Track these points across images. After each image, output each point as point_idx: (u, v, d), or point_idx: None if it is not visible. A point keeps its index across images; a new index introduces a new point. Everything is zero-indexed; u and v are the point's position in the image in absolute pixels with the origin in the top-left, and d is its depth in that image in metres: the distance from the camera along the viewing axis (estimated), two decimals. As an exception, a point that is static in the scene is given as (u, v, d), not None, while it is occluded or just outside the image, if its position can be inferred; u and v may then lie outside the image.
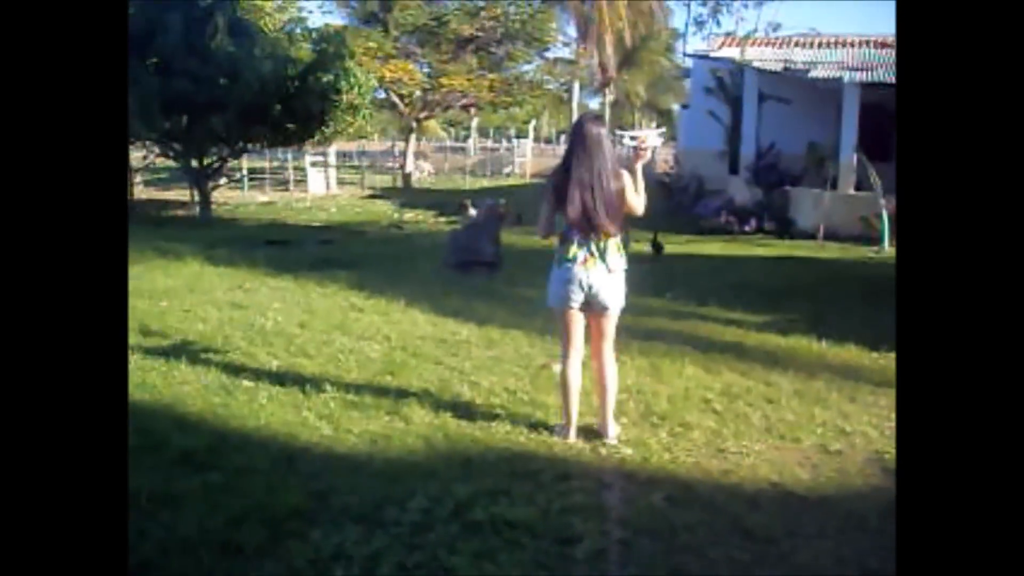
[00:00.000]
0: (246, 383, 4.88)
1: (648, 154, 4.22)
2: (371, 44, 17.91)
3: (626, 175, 3.98)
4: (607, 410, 4.15)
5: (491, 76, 27.31)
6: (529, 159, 41.51)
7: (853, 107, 13.11)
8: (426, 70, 25.65)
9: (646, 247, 11.00)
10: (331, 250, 11.15)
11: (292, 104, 13.06)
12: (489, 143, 46.37)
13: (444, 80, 24.39)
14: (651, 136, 4.24)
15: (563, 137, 57.63)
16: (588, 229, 3.89)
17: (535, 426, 4.27)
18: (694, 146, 19.72)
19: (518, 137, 47.63)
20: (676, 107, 54.60)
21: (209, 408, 4.41)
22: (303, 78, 13.26)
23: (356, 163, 32.35)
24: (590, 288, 3.93)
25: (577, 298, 3.96)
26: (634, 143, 4.14)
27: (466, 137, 50.34)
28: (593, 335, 4.10)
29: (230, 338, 5.96)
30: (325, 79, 13.30)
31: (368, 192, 24.55)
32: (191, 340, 5.87)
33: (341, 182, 26.59)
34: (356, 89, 13.56)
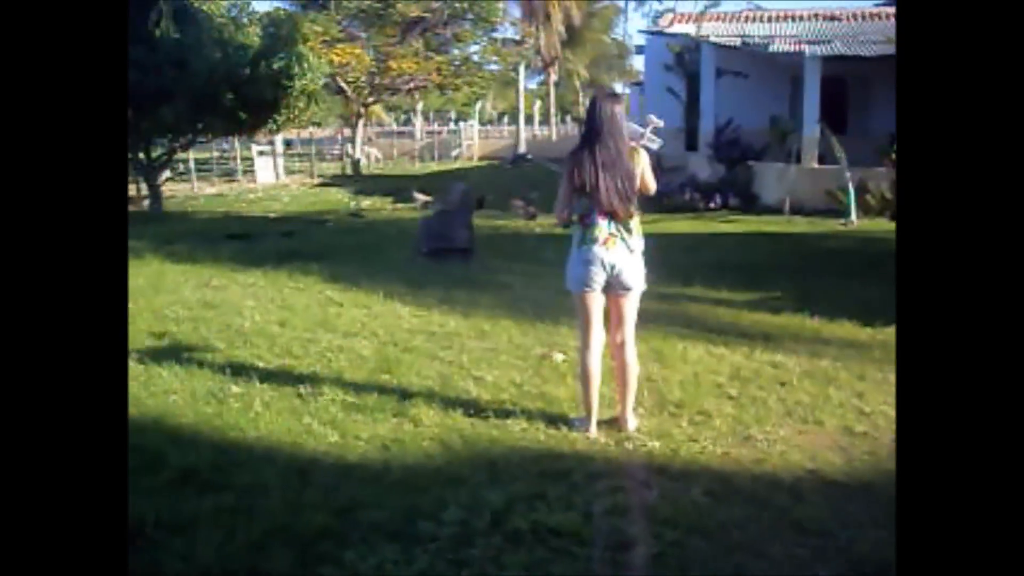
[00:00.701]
0: (236, 388, 4.59)
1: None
2: (317, 28, 17.34)
3: (643, 153, 3.84)
4: (627, 401, 3.99)
5: (438, 58, 26.87)
6: (476, 141, 41.16)
7: (815, 81, 13.14)
8: (372, 54, 25.07)
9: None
10: (295, 242, 10.77)
11: (244, 92, 12.53)
12: (434, 127, 45.77)
13: (392, 64, 23.86)
14: (653, 118, 4.22)
15: (506, 118, 57.80)
16: (610, 209, 3.75)
17: (552, 421, 4.09)
18: (651, 123, 19.62)
19: (459, 120, 47.17)
20: (620, 87, 54.93)
21: (202, 419, 4.11)
22: (254, 64, 12.73)
23: (300, 151, 31.65)
24: (612, 268, 3.79)
25: (599, 280, 3.82)
26: (647, 127, 4.05)
27: (406, 121, 49.57)
28: (613, 320, 3.94)
29: (208, 340, 5.62)
30: (277, 65, 12.80)
31: (318, 180, 23.97)
32: (167, 345, 5.52)
33: (289, 171, 25.93)
34: (309, 75, 13.09)
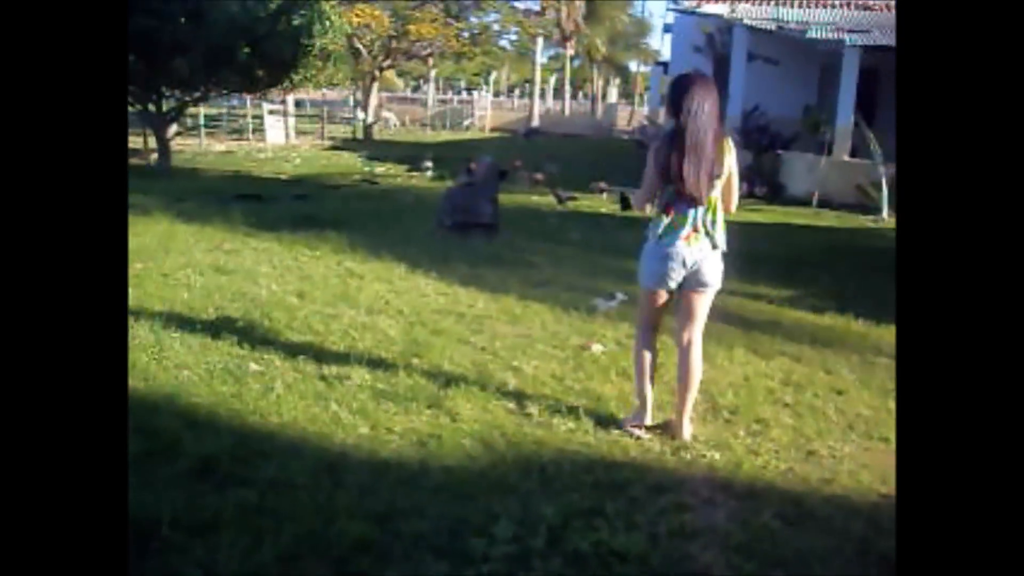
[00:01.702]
0: (254, 367, 4.26)
1: None
2: (335, -14, 16.85)
3: (732, 147, 3.55)
4: (686, 405, 3.67)
5: (457, 24, 26.30)
6: (489, 112, 40.54)
7: (852, 71, 12.68)
8: (390, 16, 24.48)
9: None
10: (308, 206, 10.39)
11: (262, 48, 12.05)
12: (446, 95, 45.09)
13: (411, 27, 23.29)
14: None
15: (517, 91, 57.08)
16: (695, 195, 3.43)
17: (600, 422, 3.77)
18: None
19: (470, 90, 46.49)
20: (637, 66, 54.26)
21: (220, 401, 3.78)
22: (274, 20, 12.23)
23: (310, 112, 31.07)
24: (692, 265, 3.51)
25: (676, 277, 3.54)
26: None
27: (415, 88, 48.79)
28: (682, 317, 3.65)
29: (223, 310, 5.29)
30: (298, 21, 12.32)
31: (329, 143, 23.51)
32: (178, 312, 5.18)
33: (299, 132, 25.45)
34: (330, 33, 12.63)
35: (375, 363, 4.40)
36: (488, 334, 5.13)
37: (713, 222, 3.50)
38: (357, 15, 20.38)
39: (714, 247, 3.51)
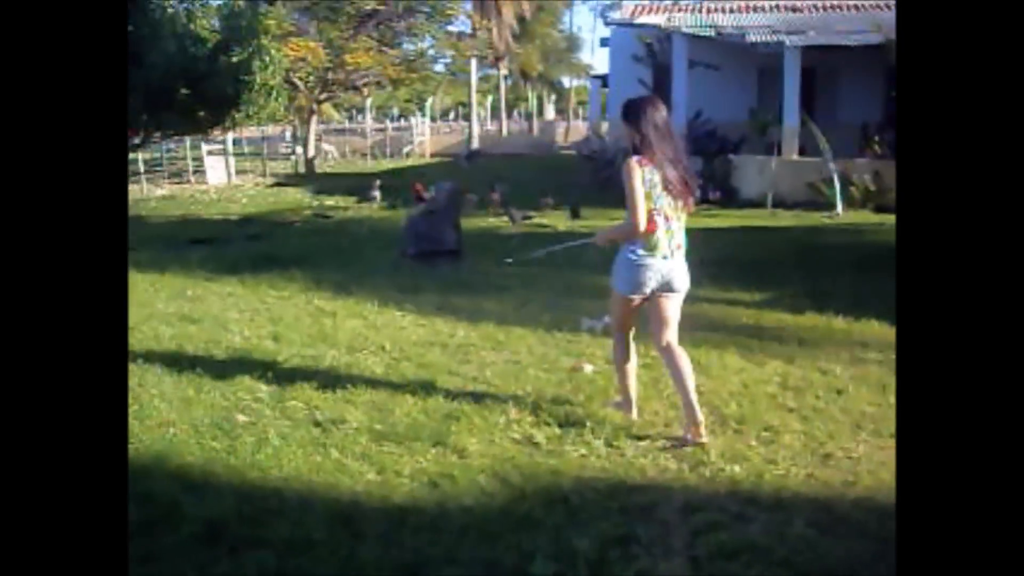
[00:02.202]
0: (242, 418, 4.08)
1: None
2: (270, 21, 16.54)
3: None
4: (693, 405, 3.71)
5: (392, 52, 26.16)
6: (428, 138, 40.39)
7: (794, 71, 12.95)
8: (325, 48, 24.23)
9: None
10: (265, 246, 10.16)
11: (202, 87, 11.76)
12: (377, 124, 44.75)
13: (348, 58, 23.09)
14: None
15: (452, 114, 57.19)
16: (675, 213, 3.74)
17: (609, 444, 3.70)
18: (619, 117, 19.28)
19: (402, 117, 46.28)
20: (570, 81, 54.81)
21: (213, 458, 3.60)
22: (212, 58, 11.98)
23: (248, 150, 30.57)
24: (667, 273, 3.76)
25: (652, 285, 3.79)
26: None
27: (350, 119, 48.38)
28: (657, 323, 3.87)
29: (198, 361, 5.07)
30: (237, 58, 12.08)
31: (272, 180, 23.12)
32: (151, 367, 4.94)
33: (239, 171, 24.97)
34: (270, 68, 12.42)
35: (367, 403, 4.25)
36: (476, 363, 5.02)
37: (680, 229, 3.76)
38: (293, 49, 20.11)
39: (682, 252, 3.79)
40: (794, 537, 2.87)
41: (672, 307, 3.84)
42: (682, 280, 3.81)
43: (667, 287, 3.77)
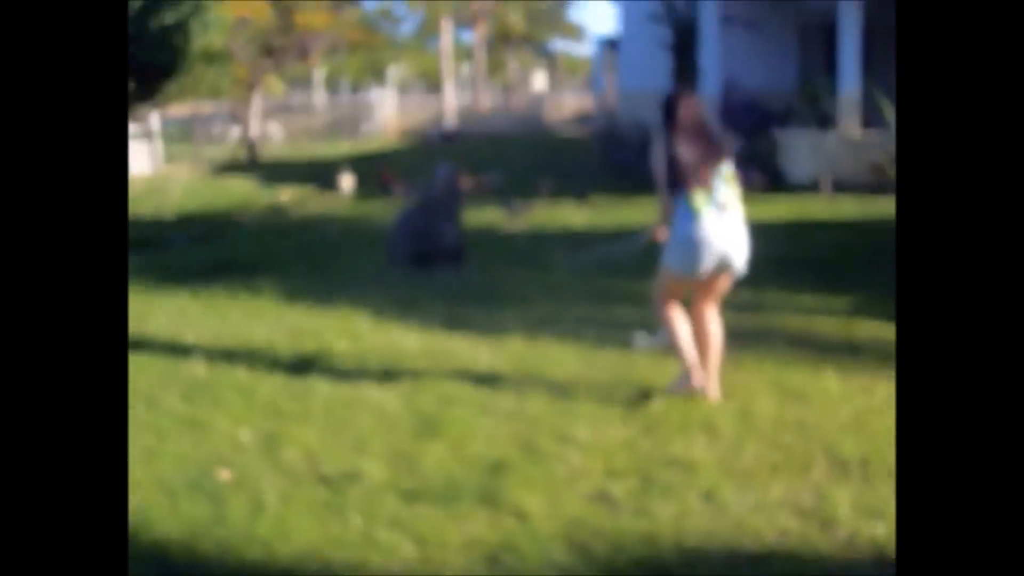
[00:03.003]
0: (226, 474, 3.81)
1: None
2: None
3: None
4: (713, 365, 4.50)
5: (349, 10, 25.98)
6: (394, 113, 39.88)
7: (853, 30, 12.73)
8: (271, 4, 23.91)
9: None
10: (215, 250, 9.88)
11: (129, 55, 11.49)
12: (337, 97, 44.33)
13: (298, 18, 22.82)
14: None
15: (417, 86, 56.76)
16: (710, 169, 4.28)
17: (708, 498, 3.45)
18: (634, 88, 19.11)
19: (356, 89, 45.90)
20: (561, 43, 54.79)
21: (198, 530, 3.32)
22: (140, 21, 11.65)
23: (174, 133, 30.19)
24: (723, 252, 4.24)
25: (709, 267, 4.25)
26: None
27: (293, 93, 47.91)
28: (704, 294, 4.48)
29: (157, 401, 4.78)
30: (170, 21, 11.77)
31: (210, 168, 22.78)
32: (96, 407, 4.65)
33: (168, 159, 24.61)
34: (211, 31, 12.13)
35: (384, 451, 4.00)
36: (511, 394, 4.76)
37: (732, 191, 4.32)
38: (232, 8, 19.83)
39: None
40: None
41: (726, 283, 4.44)
42: (740, 255, 4.30)
43: (724, 265, 4.29)
